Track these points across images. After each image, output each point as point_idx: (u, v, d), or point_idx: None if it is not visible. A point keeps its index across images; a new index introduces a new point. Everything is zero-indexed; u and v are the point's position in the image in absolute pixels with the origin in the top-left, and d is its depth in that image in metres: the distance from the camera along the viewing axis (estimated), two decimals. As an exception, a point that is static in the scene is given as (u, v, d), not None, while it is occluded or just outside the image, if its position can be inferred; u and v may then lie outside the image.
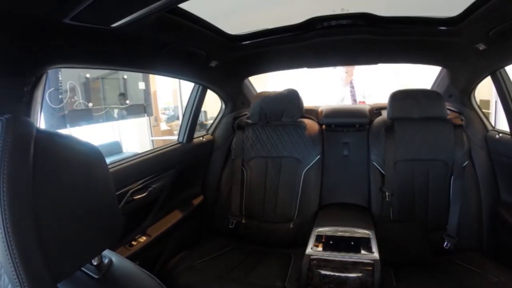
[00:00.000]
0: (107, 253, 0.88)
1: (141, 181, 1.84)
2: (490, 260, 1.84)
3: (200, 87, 2.31)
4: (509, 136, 1.91)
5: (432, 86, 2.55)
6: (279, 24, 1.82)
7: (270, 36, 1.90)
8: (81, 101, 4.13)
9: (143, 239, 1.84)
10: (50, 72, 1.16)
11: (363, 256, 1.69)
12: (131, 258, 1.66)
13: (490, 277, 1.64)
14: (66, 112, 3.94)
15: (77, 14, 0.98)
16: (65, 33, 1.08)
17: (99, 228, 0.77)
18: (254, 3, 1.60)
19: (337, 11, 1.66)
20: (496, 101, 4.21)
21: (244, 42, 1.94)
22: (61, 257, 0.66)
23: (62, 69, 3.72)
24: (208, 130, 2.71)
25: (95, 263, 0.82)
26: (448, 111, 2.17)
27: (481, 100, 2.87)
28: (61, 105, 3.85)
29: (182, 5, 1.31)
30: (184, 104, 2.71)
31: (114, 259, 0.88)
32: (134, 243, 1.79)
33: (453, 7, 1.49)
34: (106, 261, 0.85)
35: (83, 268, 0.80)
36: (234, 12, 1.64)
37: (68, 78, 3.93)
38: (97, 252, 0.80)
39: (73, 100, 4.04)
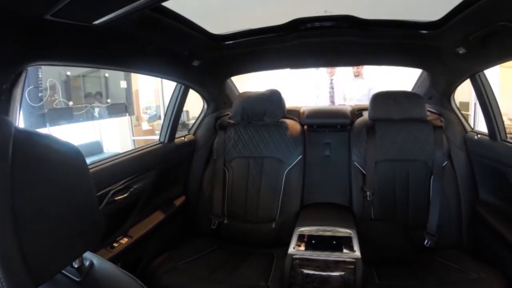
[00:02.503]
0: (88, 255, 0.87)
1: (122, 182, 1.81)
2: (470, 257, 1.88)
3: (182, 87, 2.29)
4: (487, 138, 1.96)
5: (413, 88, 2.60)
6: (263, 25, 1.82)
7: (253, 36, 1.90)
8: (61, 99, 4.04)
9: (124, 240, 1.82)
10: (30, 69, 1.13)
11: (345, 254, 1.71)
12: (113, 260, 1.63)
13: (470, 273, 1.69)
14: (46, 110, 3.86)
15: (59, 10, 0.96)
16: (46, 30, 1.06)
17: (80, 229, 0.75)
18: (237, 3, 1.60)
19: (320, 13, 1.67)
20: (475, 103, 4.34)
21: (227, 42, 1.94)
22: (41, 260, 0.65)
23: (42, 67, 3.64)
24: (190, 130, 2.69)
25: (76, 266, 0.81)
26: (428, 113, 2.22)
27: (460, 102, 2.94)
28: (40, 104, 3.77)
29: (166, 4, 1.31)
30: (166, 104, 2.68)
31: (95, 261, 0.86)
32: (115, 244, 1.76)
33: (435, 12, 1.53)
34: (87, 263, 0.84)
35: (63, 271, 0.78)
36: (218, 11, 1.64)
37: (48, 75, 3.84)
38: (78, 254, 0.79)
39: (53, 98, 3.96)
